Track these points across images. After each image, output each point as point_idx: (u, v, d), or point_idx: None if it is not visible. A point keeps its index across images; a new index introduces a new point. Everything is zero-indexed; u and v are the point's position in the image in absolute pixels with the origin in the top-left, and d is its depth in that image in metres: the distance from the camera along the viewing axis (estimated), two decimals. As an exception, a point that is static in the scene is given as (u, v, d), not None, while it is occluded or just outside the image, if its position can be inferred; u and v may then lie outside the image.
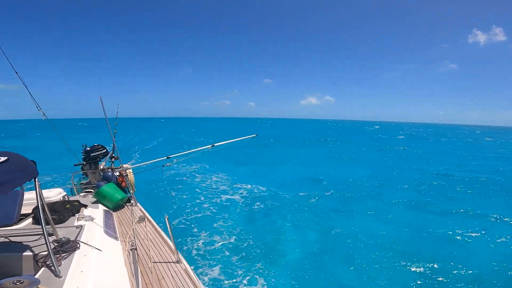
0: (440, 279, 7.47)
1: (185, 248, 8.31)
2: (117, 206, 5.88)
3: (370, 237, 9.78)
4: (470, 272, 7.74)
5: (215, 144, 9.09)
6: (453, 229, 10.64)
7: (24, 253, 2.73)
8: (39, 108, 5.63)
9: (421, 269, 7.88)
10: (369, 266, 8.01)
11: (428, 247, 9.20)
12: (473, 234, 10.24)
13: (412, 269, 7.86)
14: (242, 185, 16.60)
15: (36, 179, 2.51)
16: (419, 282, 7.32)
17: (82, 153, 7.55)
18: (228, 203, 13.30)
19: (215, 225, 10.56)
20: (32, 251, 2.77)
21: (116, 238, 4.14)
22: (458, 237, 10.04)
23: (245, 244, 9.07)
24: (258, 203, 13.38)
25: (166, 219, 3.87)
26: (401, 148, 39.04)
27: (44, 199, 2.50)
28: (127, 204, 6.23)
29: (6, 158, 2.31)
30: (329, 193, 15.38)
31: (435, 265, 8.04)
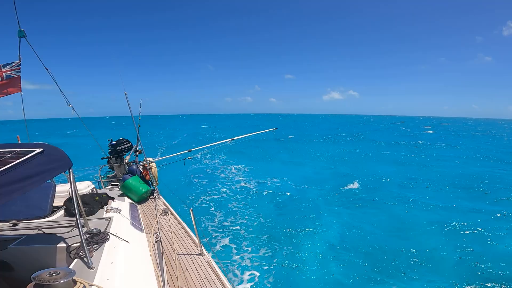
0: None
1: (206, 240, 8.39)
2: (142, 199, 6.04)
3: (394, 233, 9.54)
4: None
5: (235, 138, 9.11)
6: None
7: (57, 245, 2.81)
8: (69, 104, 5.85)
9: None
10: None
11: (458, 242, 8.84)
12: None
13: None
14: (264, 180, 16.57)
15: (70, 170, 2.54)
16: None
17: (108, 146, 7.78)
18: (250, 197, 13.35)
19: (234, 218, 10.68)
20: (65, 242, 2.86)
21: (141, 230, 4.24)
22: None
23: (269, 239, 9.08)
24: (283, 199, 13.30)
25: (191, 211, 3.92)
26: (443, 145, 36.93)
27: (76, 190, 2.55)
28: (150, 197, 6.38)
29: (41, 149, 2.35)
30: (351, 189, 15.11)
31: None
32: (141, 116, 7.91)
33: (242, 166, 20.33)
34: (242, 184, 16.08)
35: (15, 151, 2.34)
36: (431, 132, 62.66)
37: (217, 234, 9.21)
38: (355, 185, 15.73)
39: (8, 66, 5.35)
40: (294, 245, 8.77)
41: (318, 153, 28.81)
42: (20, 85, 5.56)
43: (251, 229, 9.70)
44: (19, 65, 5.48)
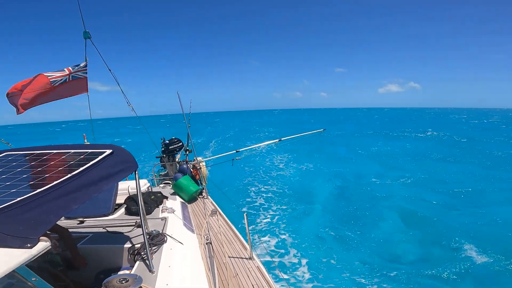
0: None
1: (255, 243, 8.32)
2: (191, 198, 6.15)
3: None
4: None
5: (282, 139, 8.99)
6: None
7: (120, 245, 2.89)
8: (129, 104, 6.12)
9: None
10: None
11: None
12: None
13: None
14: (319, 180, 16.00)
15: (136, 172, 2.57)
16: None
17: (161, 145, 8.13)
18: (302, 198, 12.94)
19: (283, 220, 10.44)
20: (127, 243, 2.94)
21: (192, 231, 4.26)
22: None
23: (324, 245, 8.72)
24: (340, 201, 12.69)
25: (245, 216, 3.86)
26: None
27: (140, 191, 2.60)
28: (199, 196, 6.47)
29: (111, 151, 2.43)
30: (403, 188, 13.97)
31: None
32: (191, 113, 8.11)
33: (292, 163, 19.73)
34: (292, 183, 15.64)
35: (87, 152, 2.47)
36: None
37: (266, 237, 9.03)
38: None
39: (76, 68, 5.60)
40: (352, 256, 8.17)
41: (375, 149, 26.93)
42: (87, 86, 5.82)
43: (302, 233, 9.35)
44: (86, 66, 5.71)
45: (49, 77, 5.32)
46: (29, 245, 1.34)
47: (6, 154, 2.55)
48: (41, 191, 1.70)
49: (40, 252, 1.37)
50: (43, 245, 1.40)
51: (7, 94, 5.12)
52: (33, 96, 5.25)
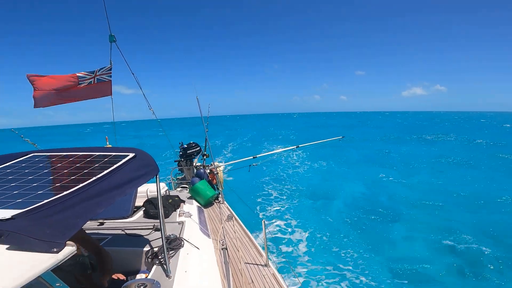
0: None
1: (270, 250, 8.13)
2: (208, 203, 6.17)
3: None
4: None
5: (300, 145, 8.90)
6: None
7: (138, 248, 2.92)
8: (150, 107, 6.24)
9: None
10: None
11: None
12: None
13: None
14: (338, 186, 15.46)
15: (157, 176, 2.57)
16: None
17: (179, 149, 8.25)
18: (319, 204, 12.63)
19: (300, 226, 10.24)
20: (145, 246, 2.97)
21: (208, 236, 4.26)
22: None
23: (342, 253, 8.45)
24: (361, 207, 12.24)
25: (263, 223, 3.83)
26: None
27: (160, 196, 2.61)
28: (215, 201, 6.48)
29: (134, 154, 2.45)
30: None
31: None
32: (210, 117, 8.16)
33: (309, 169, 19.40)
34: (311, 185, 15.31)
35: (111, 155, 2.51)
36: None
37: (282, 244, 8.88)
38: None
39: (101, 70, 5.74)
40: (376, 267, 7.86)
41: (397, 155, 25.55)
42: (111, 89, 5.96)
43: (321, 239, 9.11)
44: (110, 69, 5.84)
45: (78, 78, 5.49)
46: (55, 250, 1.32)
47: (33, 155, 2.64)
48: (67, 193, 1.72)
49: (65, 257, 1.36)
50: (70, 249, 1.38)
51: (32, 81, 5.20)
52: (57, 89, 5.36)
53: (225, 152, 29.04)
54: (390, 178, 17.39)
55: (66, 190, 1.78)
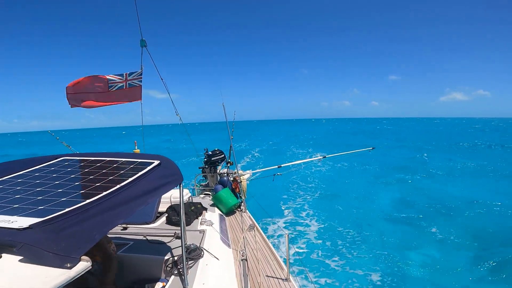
0: None
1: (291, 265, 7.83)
2: (230, 211, 6.09)
3: None
4: None
5: (327, 156, 8.63)
6: None
7: (157, 256, 2.89)
8: (177, 113, 6.33)
9: None
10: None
11: None
12: None
13: None
14: (369, 200, 14.98)
15: (181, 185, 2.54)
16: None
17: (204, 156, 8.29)
18: (346, 218, 12.12)
19: (323, 240, 9.87)
20: (165, 254, 2.93)
21: (229, 245, 4.18)
22: None
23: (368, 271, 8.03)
24: (392, 224, 11.64)
25: (286, 237, 3.69)
26: None
27: (183, 204, 2.57)
28: (237, 209, 6.40)
29: (159, 162, 2.45)
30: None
31: None
32: (235, 122, 8.07)
33: (336, 182, 18.67)
34: (334, 202, 14.71)
35: (137, 161, 2.53)
36: None
37: (304, 258, 8.50)
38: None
39: (132, 75, 5.81)
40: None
41: (434, 166, 23.75)
42: (141, 94, 6.04)
43: (348, 259, 8.63)
44: (141, 74, 5.89)
45: (108, 81, 5.66)
46: (68, 265, 1.27)
47: (63, 159, 2.71)
48: (89, 202, 1.72)
49: (78, 274, 1.30)
50: (83, 265, 1.32)
51: (67, 88, 5.46)
52: (89, 94, 5.57)
53: (248, 159, 28.77)
54: (431, 186, 16.43)
55: (89, 198, 1.77)
